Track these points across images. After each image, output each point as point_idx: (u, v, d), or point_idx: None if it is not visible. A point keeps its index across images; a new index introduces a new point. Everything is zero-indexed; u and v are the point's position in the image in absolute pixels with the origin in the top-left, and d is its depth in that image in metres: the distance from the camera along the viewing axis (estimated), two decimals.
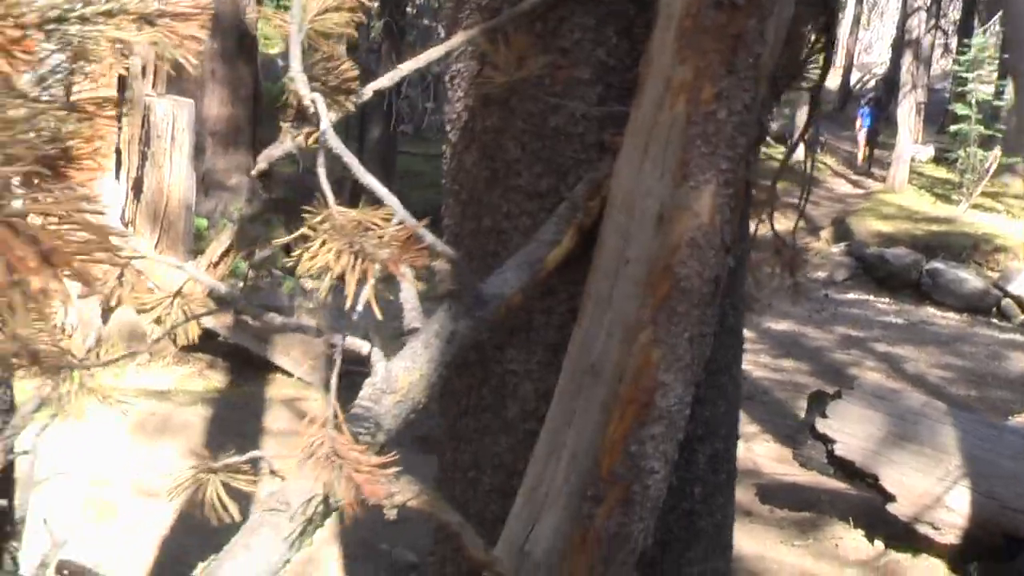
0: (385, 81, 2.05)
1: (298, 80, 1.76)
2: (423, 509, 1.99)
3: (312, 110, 1.76)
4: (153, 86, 9.11)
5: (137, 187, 9.09)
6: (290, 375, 8.93)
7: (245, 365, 9.06)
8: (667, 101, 1.97)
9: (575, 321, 2.18)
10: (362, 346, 1.95)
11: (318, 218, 1.58)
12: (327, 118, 1.71)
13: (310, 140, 1.89)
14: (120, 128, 8.77)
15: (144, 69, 8.93)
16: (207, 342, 8.51)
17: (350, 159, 1.76)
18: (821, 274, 17.20)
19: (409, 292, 2.03)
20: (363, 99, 1.99)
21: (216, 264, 8.77)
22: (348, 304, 1.63)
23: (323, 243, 1.58)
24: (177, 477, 2.21)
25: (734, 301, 2.40)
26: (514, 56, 2.04)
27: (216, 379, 8.98)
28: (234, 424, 7.98)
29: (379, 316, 1.77)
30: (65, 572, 2.01)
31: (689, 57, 1.94)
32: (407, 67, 2.08)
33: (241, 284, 9.66)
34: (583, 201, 2.10)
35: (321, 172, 1.67)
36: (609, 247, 2.06)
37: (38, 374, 1.73)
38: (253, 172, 1.86)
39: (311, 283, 10.56)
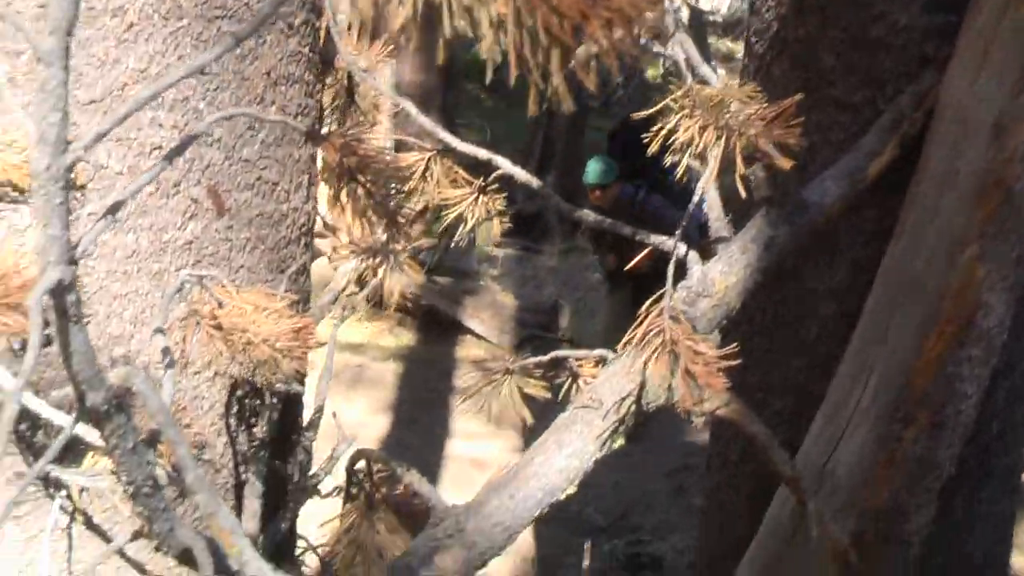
0: None
1: None
2: (732, 419, 1.94)
3: None
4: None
5: None
6: (479, 337, 8.98)
7: (433, 324, 9.12)
8: (1011, 5, 1.87)
9: (883, 239, 2.10)
10: (669, 244, 1.88)
11: (679, 92, 1.54)
12: None
13: None
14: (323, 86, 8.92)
15: (349, 27, 9.05)
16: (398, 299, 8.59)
17: None
18: None
19: (715, 200, 1.98)
20: None
21: (412, 222, 8.84)
22: (704, 181, 1.59)
23: (681, 119, 1.54)
24: (469, 377, 2.21)
25: None
26: None
27: (406, 336, 9.07)
28: (425, 381, 8.07)
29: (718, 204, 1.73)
30: (361, 461, 2.03)
31: None
32: None
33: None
34: (908, 112, 2.02)
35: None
36: (937, 158, 1.97)
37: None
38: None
39: (494, 250, 10.57)
